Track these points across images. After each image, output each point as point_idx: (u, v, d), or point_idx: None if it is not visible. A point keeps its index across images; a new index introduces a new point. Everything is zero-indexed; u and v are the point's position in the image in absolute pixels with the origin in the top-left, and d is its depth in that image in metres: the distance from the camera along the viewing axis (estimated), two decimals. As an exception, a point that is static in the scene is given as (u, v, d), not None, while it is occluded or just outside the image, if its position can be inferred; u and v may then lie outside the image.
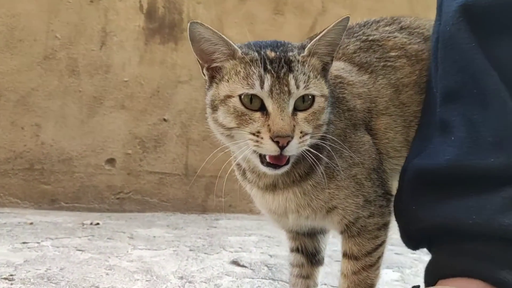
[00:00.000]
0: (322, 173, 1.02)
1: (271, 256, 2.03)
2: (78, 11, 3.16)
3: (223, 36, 1.00)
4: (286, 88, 0.93)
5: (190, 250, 2.12)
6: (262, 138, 0.92)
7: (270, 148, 0.92)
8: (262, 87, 0.93)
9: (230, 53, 1.00)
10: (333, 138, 1.02)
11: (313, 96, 0.97)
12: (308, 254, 1.26)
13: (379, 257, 1.10)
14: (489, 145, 0.94)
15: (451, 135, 0.98)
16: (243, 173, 1.11)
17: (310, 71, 0.98)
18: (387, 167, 1.12)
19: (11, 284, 1.53)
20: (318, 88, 0.98)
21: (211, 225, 2.85)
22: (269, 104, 0.93)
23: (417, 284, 0.97)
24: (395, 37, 1.23)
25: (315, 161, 0.98)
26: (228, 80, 0.99)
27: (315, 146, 0.99)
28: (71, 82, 3.16)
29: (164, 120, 3.19)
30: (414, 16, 1.36)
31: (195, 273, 1.76)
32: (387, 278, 1.82)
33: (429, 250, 1.04)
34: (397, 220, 1.08)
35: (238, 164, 1.11)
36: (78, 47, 3.17)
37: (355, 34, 1.24)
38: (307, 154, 0.96)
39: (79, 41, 3.17)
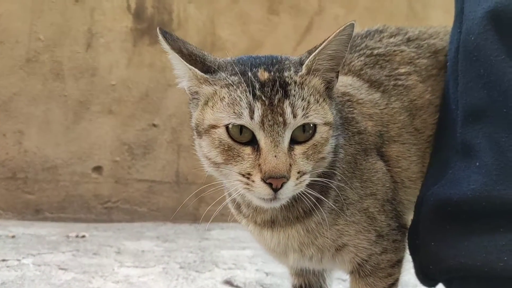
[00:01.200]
0: (330, 208, 0.90)
1: (267, 274, 1.90)
2: (63, 11, 3.02)
3: (187, 64, 0.86)
4: (280, 119, 0.80)
5: (181, 267, 2.00)
6: (253, 181, 0.80)
7: (262, 192, 0.80)
8: (251, 117, 0.80)
9: (194, 75, 0.88)
10: (343, 166, 0.90)
11: (315, 125, 0.84)
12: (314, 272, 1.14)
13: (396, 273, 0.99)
14: None
15: (476, 160, 0.86)
16: (238, 207, 0.98)
17: (310, 95, 0.84)
18: (402, 197, 1.00)
19: (-17, 314, 1.40)
20: (320, 115, 0.84)
21: (203, 236, 2.73)
22: (261, 138, 0.80)
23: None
24: (402, 51, 1.12)
25: (318, 199, 0.86)
26: (212, 107, 0.85)
27: (321, 176, 0.87)
28: (55, 86, 3.02)
29: (154, 125, 3.06)
30: (424, 26, 1.23)
31: (185, 296, 1.64)
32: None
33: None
34: (412, 256, 0.97)
35: (230, 195, 0.97)
36: (63, 49, 3.03)
37: (358, 48, 1.12)
38: (308, 192, 0.84)
39: (63, 43, 3.03)
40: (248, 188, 0.81)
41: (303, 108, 0.82)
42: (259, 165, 0.79)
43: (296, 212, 0.91)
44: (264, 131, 0.80)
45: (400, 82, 1.08)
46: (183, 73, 0.89)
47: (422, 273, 0.96)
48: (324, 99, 0.87)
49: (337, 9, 3.20)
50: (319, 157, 0.85)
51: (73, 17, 3.03)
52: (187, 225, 3.03)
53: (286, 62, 0.88)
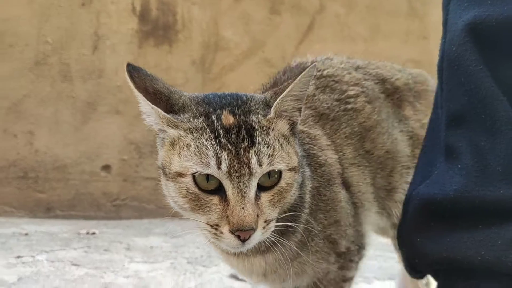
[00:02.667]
0: (295, 243, 0.93)
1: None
2: (69, 15, 3.09)
3: (150, 103, 0.84)
4: (246, 169, 0.78)
5: (188, 262, 2.08)
6: (221, 232, 0.80)
7: (230, 243, 0.80)
8: (219, 167, 0.78)
9: (157, 116, 0.85)
10: (308, 200, 0.93)
11: (280, 172, 0.83)
12: None
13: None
14: (498, 175, 0.88)
15: (458, 162, 0.92)
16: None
17: (276, 140, 0.83)
18: (362, 219, 1.06)
19: (3, 308, 1.49)
20: (285, 161, 0.83)
21: (210, 231, 2.80)
22: (228, 188, 0.79)
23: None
24: (350, 73, 1.17)
25: (279, 241, 0.88)
26: (179, 153, 0.82)
27: (289, 210, 0.89)
28: (63, 88, 3.10)
29: (160, 124, 3.13)
30: (374, 60, 1.31)
31: (192, 289, 1.72)
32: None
33: (435, 279, 0.99)
34: (401, 250, 1.03)
35: None
36: (70, 52, 3.10)
37: None
38: (273, 235, 0.86)
39: (71, 45, 3.10)
40: (216, 238, 0.81)
41: (269, 156, 0.80)
42: (227, 216, 0.78)
43: (258, 245, 0.90)
44: (231, 181, 0.78)
45: (349, 106, 1.12)
46: (147, 110, 0.87)
47: (409, 266, 1.03)
48: (288, 141, 0.87)
49: (338, 8, 3.26)
50: (284, 202, 0.86)
51: (79, 21, 3.11)
52: (194, 222, 3.11)
53: (251, 103, 0.86)
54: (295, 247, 0.92)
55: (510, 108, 0.89)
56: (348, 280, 1.04)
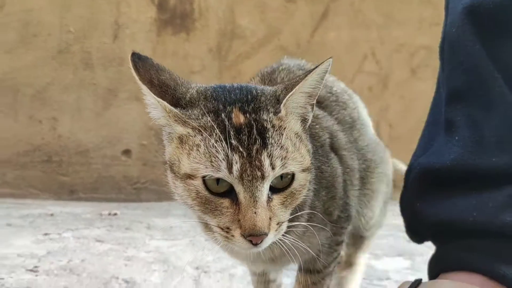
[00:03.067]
0: (302, 229, 0.93)
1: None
2: (90, 4, 3.19)
3: (155, 96, 0.80)
4: (259, 173, 0.74)
5: (206, 240, 2.16)
6: (232, 235, 0.77)
7: (242, 246, 0.77)
8: (230, 171, 0.74)
9: (164, 111, 0.81)
10: (313, 181, 0.94)
11: (293, 174, 0.80)
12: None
13: (335, 266, 1.12)
14: (492, 145, 0.95)
15: (456, 134, 0.99)
16: (210, 229, 0.88)
17: (288, 139, 0.79)
18: (349, 193, 1.09)
19: (36, 275, 1.60)
20: (298, 162, 0.80)
21: (226, 213, 2.90)
22: (240, 192, 0.75)
23: (422, 277, 1.00)
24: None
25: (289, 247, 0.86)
26: (188, 153, 0.78)
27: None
28: (85, 75, 3.21)
29: (178, 110, 3.23)
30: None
31: (210, 263, 1.81)
32: (397, 265, 1.86)
33: (434, 244, 1.07)
34: (403, 216, 1.11)
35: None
36: (92, 40, 3.21)
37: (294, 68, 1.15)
38: (283, 240, 0.84)
39: (92, 34, 3.21)
40: (227, 241, 0.78)
41: (282, 158, 0.77)
42: (239, 220, 0.76)
43: None
44: (243, 185, 0.75)
45: (338, 98, 1.16)
46: (153, 104, 0.83)
47: (409, 230, 1.11)
48: (301, 140, 0.84)
49: (352, -5, 3.30)
50: (296, 203, 0.83)
51: (100, 10, 3.21)
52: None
53: (262, 99, 0.82)
54: (301, 230, 0.93)
55: (504, 85, 0.96)
56: (340, 243, 1.09)
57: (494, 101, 0.97)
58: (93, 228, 2.40)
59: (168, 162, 0.84)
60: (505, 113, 0.96)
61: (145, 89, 0.81)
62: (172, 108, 0.79)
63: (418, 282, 0.96)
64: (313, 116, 0.97)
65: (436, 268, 1.00)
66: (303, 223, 0.92)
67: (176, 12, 3.25)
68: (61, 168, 3.20)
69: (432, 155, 1.03)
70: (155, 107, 0.82)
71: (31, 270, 1.64)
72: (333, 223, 1.03)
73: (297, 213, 0.87)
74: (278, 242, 0.83)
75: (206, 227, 0.89)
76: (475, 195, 0.95)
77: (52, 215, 2.70)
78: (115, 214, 2.79)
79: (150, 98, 0.82)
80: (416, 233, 1.10)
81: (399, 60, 3.33)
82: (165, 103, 0.79)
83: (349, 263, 1.41)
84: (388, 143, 3.28)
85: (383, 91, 3.34)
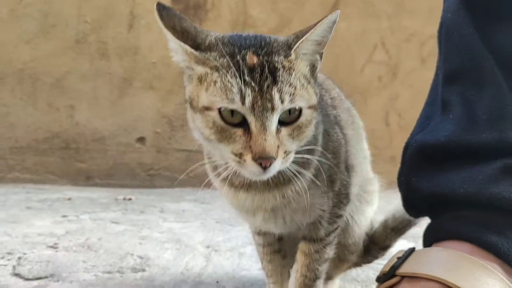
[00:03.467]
0: (309, 179, 0.99)
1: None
2: (107, -5, 3.28)
3: (178, 40, 0.87)
4: (269, 104, 0.83)
5: (217, 222, 2.26)
6: (244, 160, 0.85)
7: (252, 170, 0.85)
8: (243, 103, 0.83)
9: (186, 53, 0.89)
10: (321, 140, 1.02)
11: (300, 109, 0.88)
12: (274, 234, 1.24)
13: (335, 236, 1.16)
14: (483, 122, 1.00)
15: (450, 113, 1.05)
16: (215, 168, 1.02)
17: (297, 79, 0.87)
18: (350, 177, 1.16)
19: (56, 251, 1.70)
20: (305, 99, 0.88)
21: (237, 199, 2.98)
22: (251, 122, 0.84)
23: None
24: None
25: (298, 171, 0.94)
26: (206, 89, 0.87)
27: (304, 151, 0.94)
28: (101, 65, 3.30)
29: (191, 99, 3.31)
30: None
31: (220, 242, 1.89)
32: (402, 248, 1.91)
33: (429, 217, 1.13)
34: (400, 191, 1.17)
35: (210, 158, 1.04)
36: (108, 31, 3.30)
37: None
38: (291, 166, 0.92)
39: (108, 24, 3.30)
40: (239, 166, 0.86)
41: (290, 94, 0.85)
42: (250, 146, 0.83)
43: (277, 179, 0.96)
44: (254, 116, 0.83)
45: (350, 110, 1.26)
46: (176, 48, 0.90)
47: (406, 204, 1.16)
48: (309, 82, 0.91)
49: (362, -15, 3.34)
50: (303, 137, 0.91)
51: (116, 1, 3.29)
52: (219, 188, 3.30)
53: (274, 45, 0.90)
54: (311, 176, 0.99)
55: (495, 65, 1.02)
56: (340, 217, 1.15)
57: (485, 81, 1.02)
58: (109, 211, 2.49)
59: (188, 100, 0.92)
60: (495, 92, 1.01)
61: (168, 35, 0.89)
62: (192, 50, 0.87)
63: (411, 250, 1.02)
64: (324, 88, 1.08)
65: (430, 238, 1.06)
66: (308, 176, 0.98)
67: (190, 3, 3.32)
68: (78, 154, 3.31)
69: (428, 133, 1.09)
70: (177, 51, 0.91)
71: (51, 247, 1.74)
72: (334, 194, 1.10)
73: (305, 155, 0.94)
74: (284, 174, 0.92)
75: (215, 168, 1.01)
76: (466, 169, 1.01)
77: (69, 199, 2.81)
78: (130, 199, 2.88)
79: (173, 43, 0.90)
80: (412, 206, 1.15)
81: (409, 50, 3.37)
82: (186, 46, 0.87)
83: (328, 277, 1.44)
84: (397, 132, 3.34)
85: (393, 80, 3.38)
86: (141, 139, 3.34)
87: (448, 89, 1.08)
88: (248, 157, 0.84)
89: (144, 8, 3.30)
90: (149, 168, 3.33)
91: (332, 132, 1.08)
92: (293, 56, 0.88)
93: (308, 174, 0.98)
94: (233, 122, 0.85)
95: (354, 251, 1.34)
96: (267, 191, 0.99)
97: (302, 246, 1.16)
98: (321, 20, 0.90)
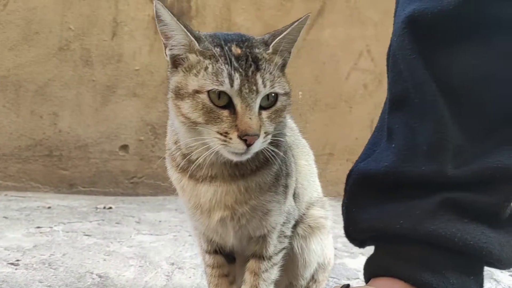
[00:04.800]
0: (279, 168, 1.06)
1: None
2: (90, 2, 3.27)
3: (182, 25, 0.98)
4: (254, 87, 0.94)
5: (190, 235, 2.24)
6: (230, 138, 0.93)
7: (237, 146, 0.94)
8: (232, 85, 0.93)
9: (187, 43, 0.99)
10: (284, 145, 1.07)
11: (277, 94, 0.99)
12: (227, 254, 1.25)
13: (282, 258, 1.18)
14: (423, 153, 0.98)
15: (394, 142, 1.02)
16: (174, 160, 1.09)
17: (274, 70, 0.99)
18: (297, 202, 1.20)
19: (15, 269, 1.68)
20: (282, 86, 1.00)
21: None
22: (238, 103, 0.94)
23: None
24: None
25: (273, 155, 1.01)
26: (196, 74, 0.97)
27: (274, 142, 1.01)
28: (85, 72, 3.29)
29: (174, 107, 3.29)
30: None
31: (187, 259, 1.87)
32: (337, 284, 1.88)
33: (371, 245, 1.10)
34: (343, 220, 1.14)
35: (170, 150, 1.10)
36: (91, 38, 3.28)
37: None
38: (267, 148, 0.99)
39: (91, 32, 3.28)
40: (225, 144, 0.94)
41: (270, 80, 0.96)
42: (236, 125, 0.93)
43: (244, 168, 1.04)
44: (241, 97, 0.93)
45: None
46: (180, 39, 0.99)
47: (347, 235, 1.14)
48: (283, 74, 1.03)
49: (347, -8, 3.30)
50: (279, 120, 1.01)
51: (99, 8, 3.28)
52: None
53: (253, 41, 1.02)
54: (273, 174, 1.05)
55: (438, 93, 0.98)
56: (287, 237, 1.17)
57: (427, 110, 0.99)
58: (86, 221, 2.48)
59: (175, 89, 1.00)
60: (436, 123, 0.98)
61: (178, 27, 0.98)
62: (195, 41, 0.98)
63: (345, 286, 0.99)
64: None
65: (368, 273, 1.03)
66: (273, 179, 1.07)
67: (174, 9, 3.30)
68: (61, 162, 3.30)
69: (371, 161, 1.06)
70: (175, 44, 1.00)
71: (12, 264, 1.72)
72: (286, 210, 1.12)
73: (273, 147, 1.01)
74: (251, 163, 1.02)
75: (173, 159, 1.08)
76: (404, 202, 0.98)
77: (49, 208, 2.80)
78: (110, 208, 2.87)
79: (180, 35, 0.99)
80: (352, 237, 1.13)
81: (395, 58, 3.32)
82: (195, 41, 0.98)
83: None
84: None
85: (378, 88, 3.34)
86: (124, 147, 3.32)
87: (393, 116, 1.05)
88: (234, 135, 0.93)
89: (127, 16, 3.28)
90: (132, 176, 3.32)
91: (289, 154, 1.14)
92: (271, 50, 1.00)
93: (281, 154, 1.05)
94: (220, 105, 0.94)
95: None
96: (233, 182, 1.04)
97: (251, 265, 1.17)
98: (294, 22, 1.02)
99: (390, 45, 1.12)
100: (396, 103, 1.06)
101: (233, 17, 3.31)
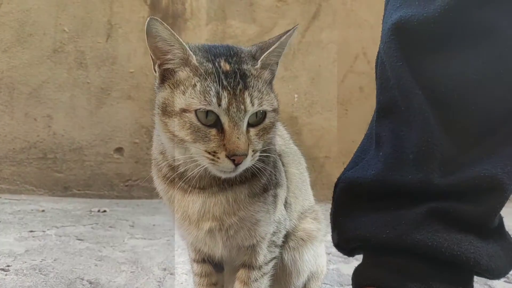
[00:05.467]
0: (268, 179, 1.04)
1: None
2: (85, 4, 3.25)
3: (180, 39, 0.97)
4: (242, 106, 0.93)
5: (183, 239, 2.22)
6: (218, 158, 0.92)
7: (226, 166, 0.93)
8: (219, 105, 0.92)
9: (184, 57, 0.97)
10: (277, 152, 1.07)
11: (265, 112, 0.97)
12: (215, 263, 1.23)
13: (272, 268, 1.17)
14: (409, 162, 0.96)
15: (381, 150, 1.01)
16: (159, 170, 1.09)
17: (263, 86, 0.98)
18: (288, 212, 1.18)
19: (6, 275, 1.66)
20: (270, 103, 0.98)
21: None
22: (225, 121, 0.93)
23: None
24: None
25: (261, 171, 1.00)
26: (184, 92, 0.95)
27: (262, 158, 1.00)
28: (79, 74, 3.28)
29: (169, 109, 3.28)
30: None
31: (179, 264, 1.86)
32: None
33: (359, 254, 1.09)
34: (331, 230, 1.13)
35: (156, 160, 1.10)
36: (85, 40, 3.27)
37: None
38: (256, 165, 0.98)
39: (86, 34, 3.27)
40: (213, 163, 0.93)
41: (258, 98, 0.95)
42: (224, 145, 0.91)
43: (233, 179, 1.02)
44: (228, 116, 0.92)
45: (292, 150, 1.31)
46: (174, 55, 0.97)
47: (335, 244, 1.13)
48: (271, 88, 1.02)
49: (343, -5, 3.29)
50: (268, 137, 0.99)
51: (94, 10, 3.27)
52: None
53: (242, 55, 1.00)
54: (262, 185, 1.04)
55: (424, 101, 0.96)
56: (278, 246, 1.16)
57: (414, 117, 0.98)
58: (79, 225, 2.46)
59: (161, 105, 0.98)
60: (423, 131, 0.97)
61: (177, 42, 0.96)
62: (195, 62, 0.96)
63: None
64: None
65: (355, 283, 1.02)
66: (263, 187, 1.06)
67: (168, 12, 3.29)
68: (55, 165, 3.28)
69: (359, 169, 1.05)
70: (169, 58, 0.98)
71: (2, 269, 1.71)
72: (275, 222, 1.11)
73: (261, 162, 1.01)
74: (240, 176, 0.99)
75: (159, 170, 1.08)
76: (391, 211, 0.97)
77: (43, 211, 2.78)
78: (104, 211, 2.86)
79: (179, 50, 0.97)
80: (340, 246, 1.12)
81: (390, 60, 3.32)
82: (194, 57, 0.96)
83: None
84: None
85: (374, 91, 3.32)
86: (119, 150, 3.31)
87: (381, 123, 1.04)
88: (222, 155, 0.92)
89: (122, 18, 3.27)
90: (127, 178, 3.31)
91: (279, 164, 1.13)
92: (259, 65, 0.99)
93: (269, 168, 1.04)
94: (207, 123, 0.93)
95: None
96: (221, 193, 1.03)
97: (241, 274, 1.15)
98: (282, 34, 1.00)
99: (378, 52, 1.11)
100: (383, 111, 1.05)
101: (228, 19, 3.30)
